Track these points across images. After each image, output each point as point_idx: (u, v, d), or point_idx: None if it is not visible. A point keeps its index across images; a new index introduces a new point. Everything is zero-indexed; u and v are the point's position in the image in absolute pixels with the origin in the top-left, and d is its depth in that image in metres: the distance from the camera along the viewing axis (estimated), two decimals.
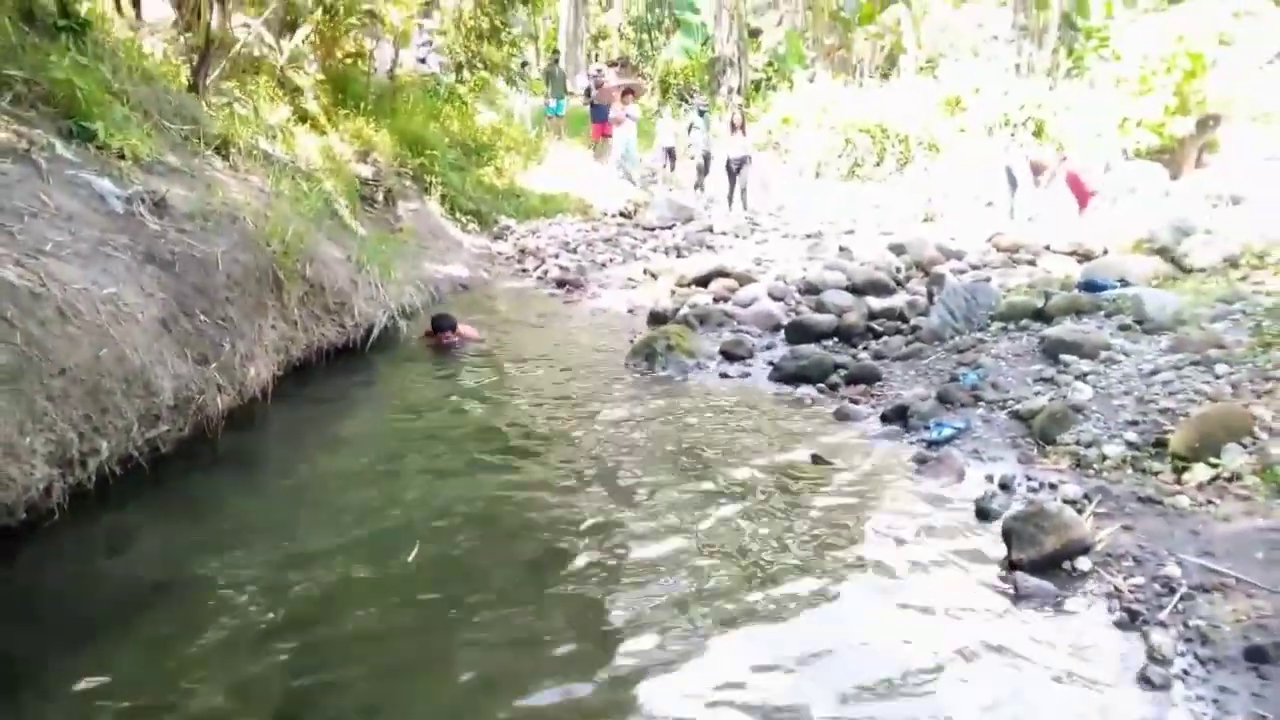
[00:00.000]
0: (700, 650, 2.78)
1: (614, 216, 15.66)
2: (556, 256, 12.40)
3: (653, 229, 14.40)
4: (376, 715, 2.52)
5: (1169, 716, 2.44)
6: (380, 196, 11.60)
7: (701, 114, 19.00)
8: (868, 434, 5.00)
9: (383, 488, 4.31)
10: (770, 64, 27.92)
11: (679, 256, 11.97)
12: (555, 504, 4.01)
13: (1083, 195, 13.88)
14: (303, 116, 12.45)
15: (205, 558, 3.55)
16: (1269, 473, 3.54)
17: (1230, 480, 3.61)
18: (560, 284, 10.89)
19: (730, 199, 16.60)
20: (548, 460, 4.65)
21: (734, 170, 16.45)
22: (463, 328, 7.60)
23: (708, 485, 4.19)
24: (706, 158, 18.34)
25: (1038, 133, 19.39)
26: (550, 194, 16.82)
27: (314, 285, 6.62)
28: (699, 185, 18.41)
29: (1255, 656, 2.60)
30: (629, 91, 18.95)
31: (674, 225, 14.37)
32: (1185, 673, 2.61)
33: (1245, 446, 3.74)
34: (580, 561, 3.41)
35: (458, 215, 14.43)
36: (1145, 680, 2.59)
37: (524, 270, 12.26)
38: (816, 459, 4.53)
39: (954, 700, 2.53)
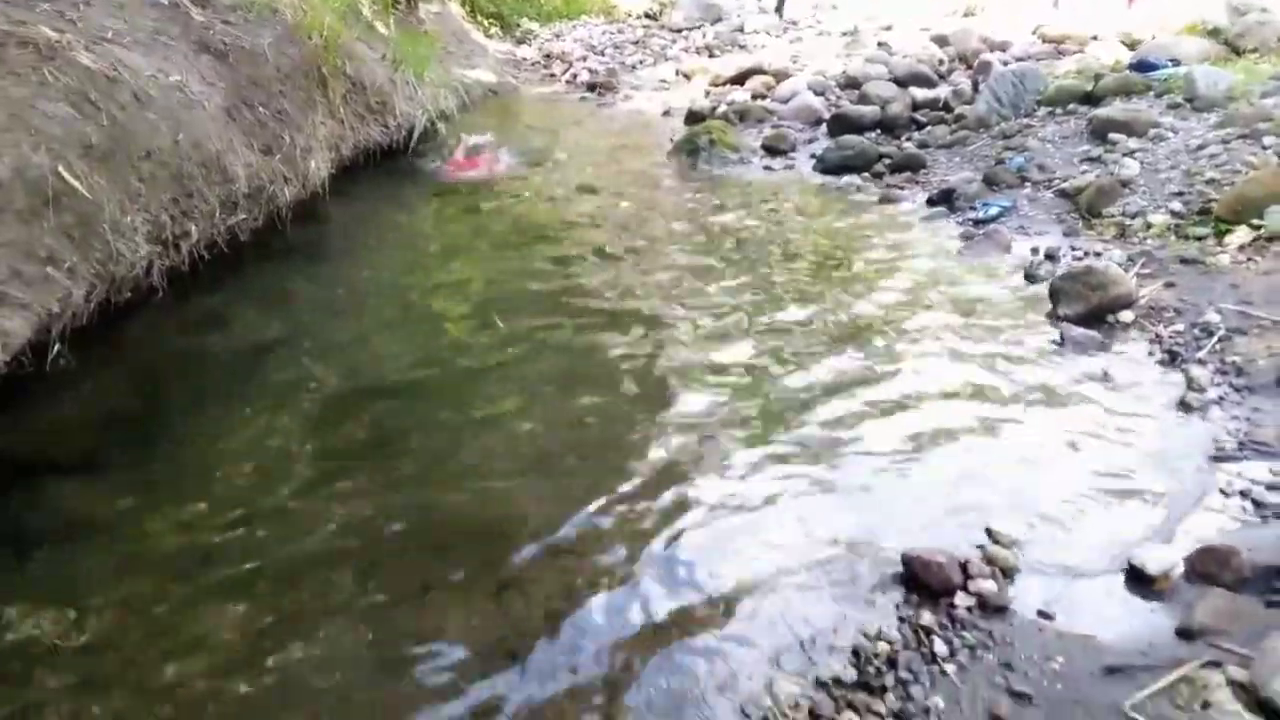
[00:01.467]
0: (770, 417, 3.00)
1: (639, 17, 15.10)
2: (584, 60, 12.10)
3: (680, 30, 13.93)
4: (445, 458, 2.75)
5: (1206, 432, 2.70)
6: None
7: None
8: (915, 215, 5.13)
9: (438, 272, 4.53)
10: None
11: (711, 56, 11.66)
12: (615, 282, 4.21)
13: None
14: None
15: (289, 335, 3.82)
16: None
17: (1270, 240, 3.75)
18: (591, 87, 10.71)
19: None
20: (601, 243, 4.81)
21: None
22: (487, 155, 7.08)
23: (765, 264, 4.37)
24: None
25: None
26: None
27: (355, 83, 6.59)
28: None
29: None
30: None
31: (702, 25, 13.87)
32: (1221, 399, 2.86)
33: None
34: (644, 329, 3.64)
35: (479, 19, 13.97)
36: (1184, 405, 2.85)
37: (551, 75, 12.01)
38: (864, 237, 4.69)
39: (1011, 435, 2.78)
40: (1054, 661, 1.79)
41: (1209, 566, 2.02)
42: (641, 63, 11.80)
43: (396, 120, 7.08)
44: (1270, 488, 2.37)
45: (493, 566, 2.16)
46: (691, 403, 3.00)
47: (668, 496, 2.45)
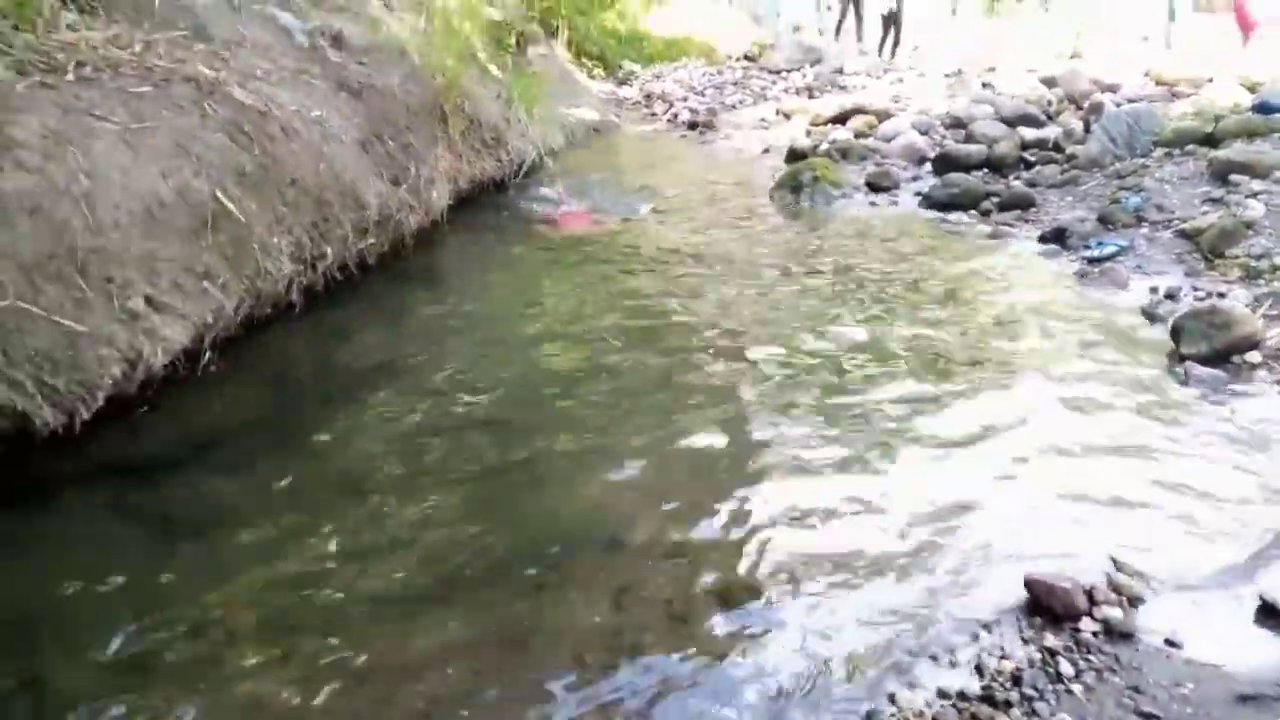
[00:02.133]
0: (874, 446, 3.02)
1: (739, 60, 15.36)
2: (685, 99, 12.38)
3: (779, 71, 14.12)
4: (560, 484, 2.85)
5: None
6: (512, 39, 11.71)
7: None
8: (1026, 253, 5.09)
9: (548, 298, 4.73)
10: None
11: (811, 97, 11.78)
12: (721, 313, 4.31)
13: (1247, 25, 12.81)
14: None
15: (412, 351, 4.02)
16: None
17: None
18: (692, 125, 10.94)
19: (881, 48, 15.35)
20: (708, 274, 4.93)
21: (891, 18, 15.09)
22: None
23: (875, 296, 4.41)
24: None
25: None
26: (673, 38, 16.58)
27: (472, 120, 6.94)
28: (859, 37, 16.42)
29: None
30: None
31: (802, 67, 14.03)
32: None
33: None
34: (751, 361, 3.72)
35: (583, 60, 14.45)
36: None
37: (652, 114, 12.31)
38: (974, 272, 4.70)
39: (1136, 468, 2.74)
40: (1183, 687, 1.77)
41: None
42: (741, 102, 12.01)
43: (509, 155, 7.41)
44: None
45: (608, 572, 2.26)
46: (798, 430, 3.05)
47: (778, 513, 2.50)
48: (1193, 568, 2.24)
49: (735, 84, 13.19)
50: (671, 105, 12.23)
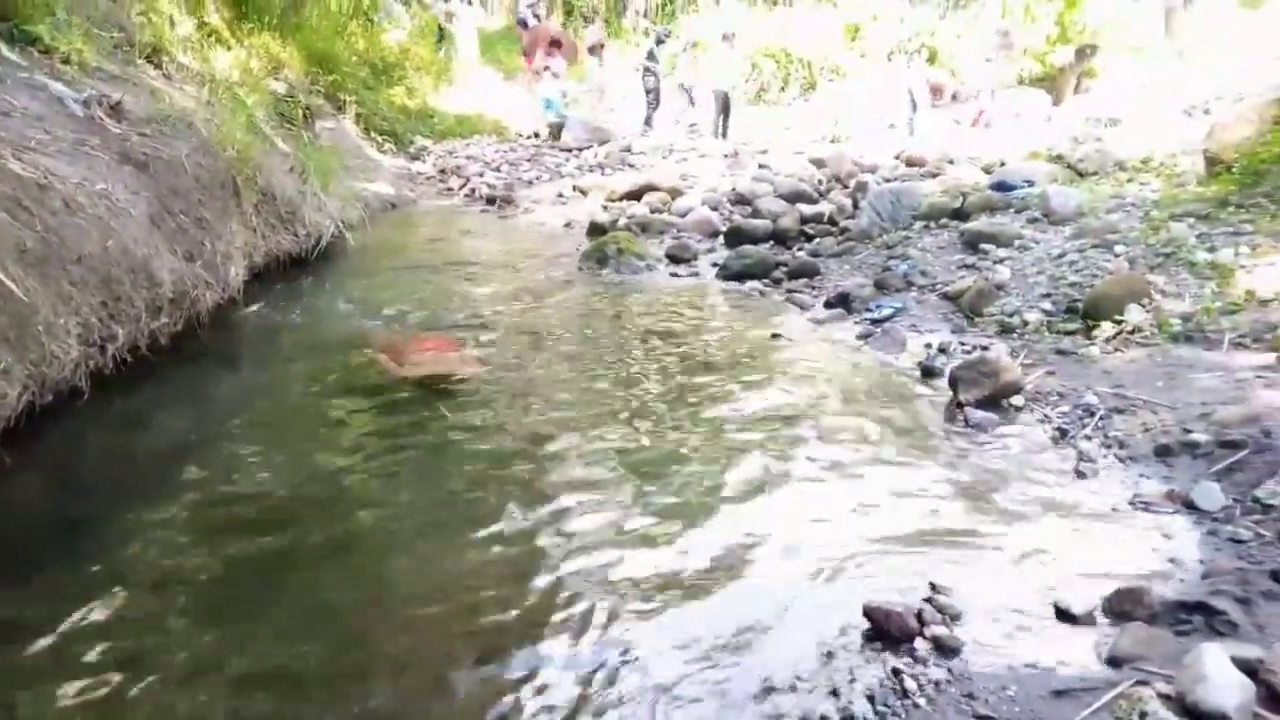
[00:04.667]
0: (691, 504, 3.21)
1: (530, 137, 15.74)
2: (481, 175, 12.48)
3: (570, 149, 14.57)
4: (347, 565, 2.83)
5: (1099, 496, 3.05)
6: (299, 113, 11.42)
7: (660, 43, 17.53)
8: (815, 317, 5.55)
9: (345, 375, 4.64)
10: None
11: (604, 174, 12.23)
12: (527, 378, 4.40)
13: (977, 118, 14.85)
14: (208, 31, 12.06)
15: (205, 438, 3.85)
16: (1165, 323, 4.24)
17: (1132, 332, 4.29)
18: (490, 200, 11.04)
19: (718, 129, 15.88)
20: (518, 344, 5.00)
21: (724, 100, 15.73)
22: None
23: (678, 358, 4.65)
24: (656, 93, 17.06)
25: (931, 59, 20.19)
26: (464, 115, 16.72)
27: (266, 194, 6.69)
28: (648, 121, 16.99)
29: (1162, 452, 3.25)
30: (555, 44, 17.09)
31: (592, 145, 14.56)
32: (1108, 469, 3.24)
33: (1144, 305, 4.43)
34: (559, 429, 3.83)
35: (373, 135, 14.25)
36: (1079, 474, 3.21)
37: (449, 189, 12.31)
38: (775, 335, 5.06)
39: (934, 505, 3.06)
40: (1008, 690, 2.00)
41: (1124, 604, 2.31)
42: (538, 178, 12.26)
43: (306, 229, 7.18)
44: (1163, 538, 2.72)
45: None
46: (619, 497, 3.15)
47: (628, 568, 2.58)
48: (998, 585, 2.53)
49: (529, 160, 13.46)
50: (468, 180, 12.29)
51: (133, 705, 2.07)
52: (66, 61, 5.72)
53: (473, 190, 11.75)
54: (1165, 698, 1.88)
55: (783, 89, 20.79)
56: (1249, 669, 1.90)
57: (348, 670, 2.20)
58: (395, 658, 2.25)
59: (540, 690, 2.04)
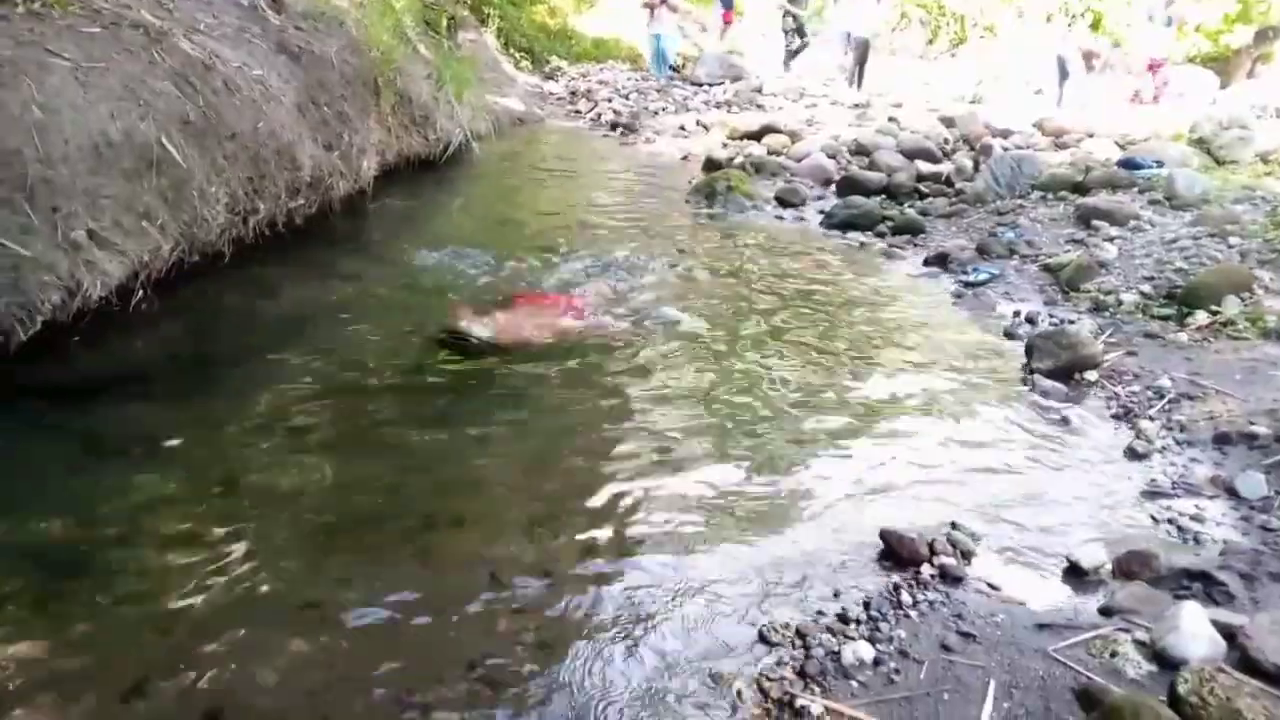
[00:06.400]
0: (768, 429, 3.43)
1: (666, 72, 15.76)
2: (609, 100, 12.68)
3: (702, 84, 14.56)
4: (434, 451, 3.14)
5: (1145, 472, 3.12)
6: (443, 23, 11.79)
7: None
8: (911, 273, 5.61)
9: (453, 272, 4.99)
10: None
11: (730, 111, 12.24)
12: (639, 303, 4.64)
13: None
14: None
15: (332, 308, 4.32)
16: (1259, 320, 4.16)
17: (1225, 324, 4.23)
18: (614, 126, 11.26)
19: (853, 78, 15.37)
20: (616, 254, 5.26)
21: (863, 48, 15.18)
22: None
23: (780, 300, 4.81)
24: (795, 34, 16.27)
25: (1095, 25, 19.08)
26: (602, 39, 16.86)
27: (403, 97, 7.09)
28: (786, 63, 16.37)
29: (1221, 440, 3.28)
30: None
31: (724, 82, 14.50)
32: (1163, 449, 3.29)
33: (1243, 299, 4.34)
34: (660, 346, 4.07)
35: (511, 51, 14.60)
36: (1131, 452, 3.27)
37: (577, 111, 12.58)
38: (866, 286, 5.17)
39: (982, 457, 3.19)
40: (996, 617, 2.18)
41: (1132, 565, 2.43)
42: (664, 109, 12.37)
43: (436, 134, 7.57)
44: (1193, 519, 2.80)
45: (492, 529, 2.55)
46: (697, 417, 3.39)
47: (686, 488, 2.84)
48: (1019, 536, 2.68)
49: (658, 91, 13.56)
50: (596, 105, 12.52)
51: (228, 514, 2.49)
52: None
53: (599, 115, 11.98)
54: (1140, 644, 2.03)
55: (931, 42, 20.09)
56: (1229, 633, 2.02)
57: (418, 525, 2.53)
58: (479, 522, 2.57)
59: (618, 590, 2.32)
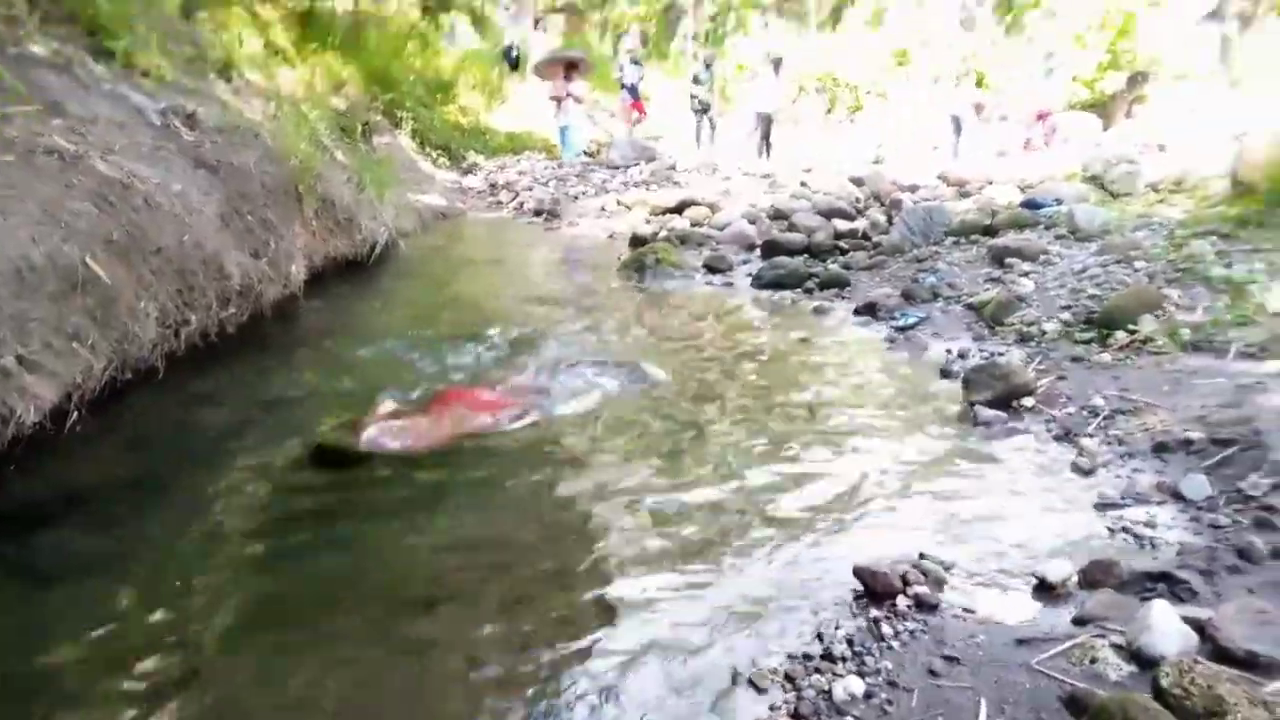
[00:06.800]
0: (720, 478, 3.46)
1: (578, 156, 16.12)
2: (530, 189, 12.90)
3: (617, 166, 14.92)
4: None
5: (1094, 487, 3.22)
6: (358, 128, 11.94)
7: (708, 66, 17.29)
8: (843, 324, 5.77)
9: (395, 364, 4.95)
10: (719, 11, 28.22)
11: (648, 190, 12.54)
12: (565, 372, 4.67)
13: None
14: (274, 50, 12.71)
15: (263, 417, 4.18)
16: (1175, 334, 4.38)
17: (1144, 342, 4.44)
18: (538, 213, 11.45)
19: (761, 150, 16.25)
20: (555, 334, 5.28)
21: (767, 122, 16.14)
22: None
23: (718, 359, 4.89)
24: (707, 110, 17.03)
25: (979, 83, 20.28)
26: (515, 132, 17.23)
27: (325, 201, 7.12)
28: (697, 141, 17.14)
29: (1159, 449, 3.41)
30: (571, 66, 15.54)
31: (638, 163, 14.89)
32: (1107, 464, 3.40)
33: (1157, 316, 4.57)
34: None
35: (428, 150, 14.82)
36: (1077, 468, 3.38)
37: (498, 202, 12.76)
38: (803, 340, 5.29)
39: (938, 491, 3.26)
40: (975, 638, 2.20)
41: (1097, 574, 2.49)
42: (584, 193, 12.62)
43: (361, 235, 7.60)
44: (1146, 525, 2.89)
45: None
46: (657, 477, 3.42)
47: (652, 550, 2.83)
48: (985, 560, 2.72)
49: (576, 177, 13.85)
50: (517, 194, 12.72)
51: (176, 634, 2.39)
52: (145, 75, 6.23)
53: (521, 204, 12.17)
54: (1117, 647, 2.07)
55: (829, 111, 21.04)
56: (1198, 626, 2.08)
57: (379, 613, 2.47)
58: (432, 603, 2.51)
59: (566, 636, 2.29)
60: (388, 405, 4.11)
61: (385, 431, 3.73)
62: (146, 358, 4.07)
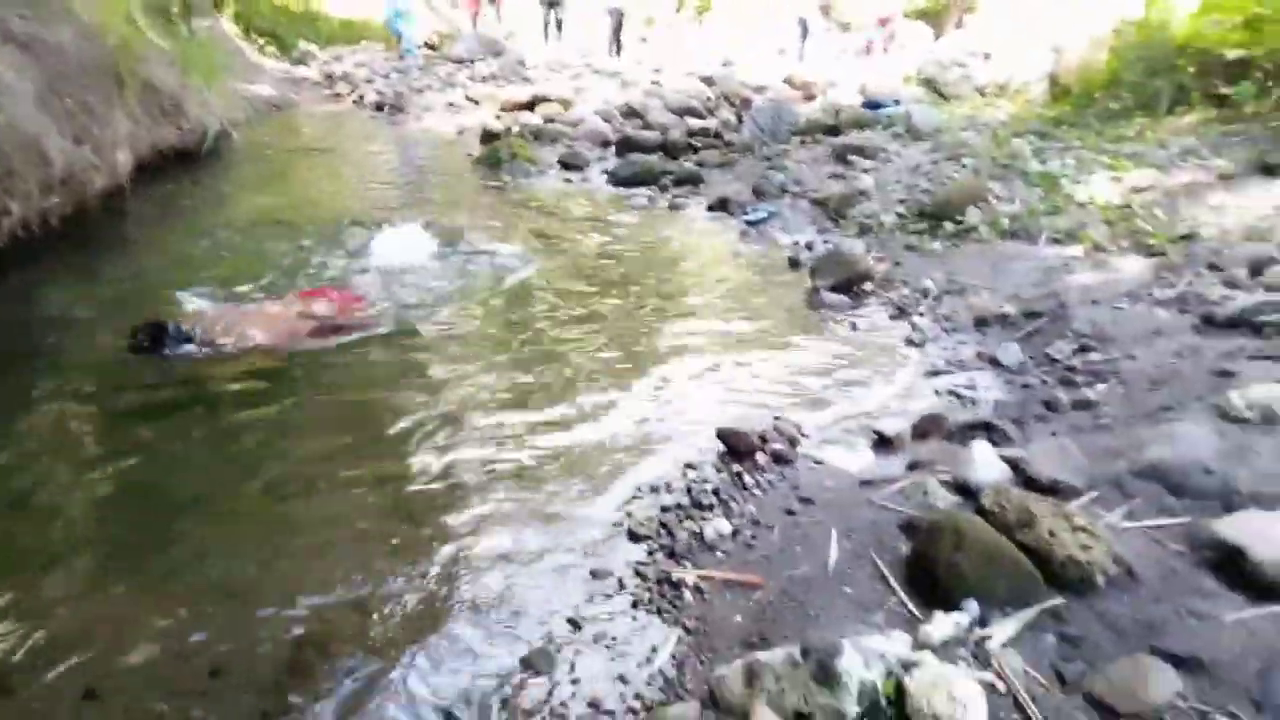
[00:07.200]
0: (594, 359, 3.60)
1: (420, 47, 15.41)
2: (371, 82, 12.30)
3: (462, 61, 14.40)
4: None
5: (926, 357, 3.57)
6: (174, 8, 10.96)
7: None
8: (698, 219, 5.95)
9: (231, 255, 4.76)
10: None
11: (497, 86, 12.21)
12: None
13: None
14: None
15: (91, 313, 3.86)
16: (996, 224, 4.80)
17: (969, 231, 4.84)
18: (379, 107, 10.97)
19: (611, 47, 16.27)
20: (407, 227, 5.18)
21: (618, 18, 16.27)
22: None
23: (580, 252, 4.97)
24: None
25: None
26: (350, 21, 16.25)
27: (148, 86, 6.61)
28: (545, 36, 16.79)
29: (980, 324, 3.80)
30: None
31: (484, 58, 14.42)
32: (935, 338, 3.76)
33: (980, 208, 4.99)
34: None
35: (253, 36, 13.78)
36: (910, 342, 3.73)
37: (337, 95, 12.12)
38: (661, 234, 5.44)
39: (788, 361, 3.52)
40: (826, 483, 2.47)
41: (927, 427, 2.81)
42: (429, 87, 12.16)
43: (189, 124, 7.11)
44: (967, 387, 3.25)
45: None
46: (525, 359, 3.51)
47: (532, 435, 2.92)
48: (831, 421, 3.01)
49: (419, 70, 13.29)
50: (357, 87, 12.12)
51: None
52: None
53: (361, 97, 11.62)
54: (944, 483, 2.37)
55: (678, 10, 20.88)
56: (1012, 464, 2.41)
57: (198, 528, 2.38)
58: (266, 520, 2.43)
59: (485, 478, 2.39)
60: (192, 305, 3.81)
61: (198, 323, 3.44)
62: None
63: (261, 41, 13.86)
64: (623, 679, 1.76)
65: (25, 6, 5.43)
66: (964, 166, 5.78)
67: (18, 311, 3.92)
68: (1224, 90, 5.69)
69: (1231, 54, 5.73)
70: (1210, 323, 3.22)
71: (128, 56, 6.17)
